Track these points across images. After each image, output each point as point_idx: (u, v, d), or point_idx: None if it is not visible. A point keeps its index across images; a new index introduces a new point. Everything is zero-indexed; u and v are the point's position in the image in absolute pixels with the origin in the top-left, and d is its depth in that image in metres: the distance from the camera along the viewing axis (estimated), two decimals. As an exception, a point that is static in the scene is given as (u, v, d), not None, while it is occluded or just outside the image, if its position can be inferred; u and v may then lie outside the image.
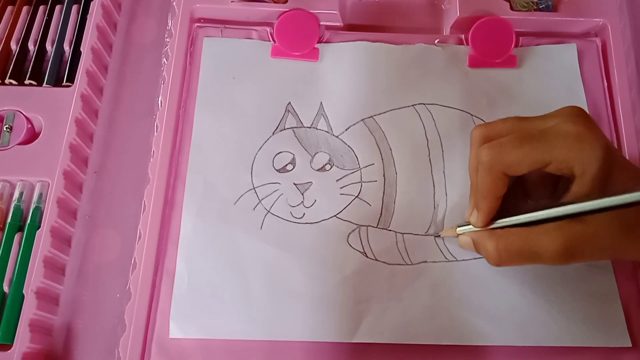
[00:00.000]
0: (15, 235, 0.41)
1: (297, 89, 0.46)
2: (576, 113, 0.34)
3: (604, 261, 0.41)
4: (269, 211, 0.42)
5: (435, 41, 0.47)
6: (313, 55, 0.46)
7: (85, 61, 0.45)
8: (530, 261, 0.34)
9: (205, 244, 0.41)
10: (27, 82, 0.46)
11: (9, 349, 0.37)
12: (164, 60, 0.46)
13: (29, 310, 0.38)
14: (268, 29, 0.47)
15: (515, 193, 0.37)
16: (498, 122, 0.36)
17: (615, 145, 0.45)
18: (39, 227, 0.40)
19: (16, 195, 0.42)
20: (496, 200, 0.35)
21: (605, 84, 0.46)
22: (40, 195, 0.42)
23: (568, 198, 0.34)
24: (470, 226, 0.38)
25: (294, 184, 0.43)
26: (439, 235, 0.42)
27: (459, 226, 0.39)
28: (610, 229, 0.33)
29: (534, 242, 0.33)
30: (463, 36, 0.48)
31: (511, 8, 0.47)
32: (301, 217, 0.42)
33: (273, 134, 0.44)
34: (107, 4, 0.48)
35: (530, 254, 0.34)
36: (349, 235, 0.41)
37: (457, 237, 0.39)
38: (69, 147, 0.42)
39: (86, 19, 0.47)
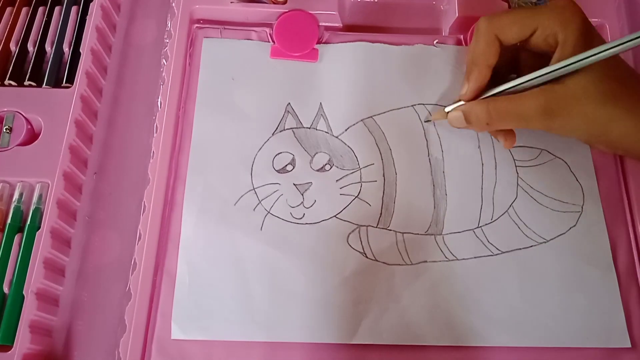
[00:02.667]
0: (15, 236, 0.41)
1: (296, 89, 0.46)
2: None
3: (605, 260, 0.41)
4: (269, 212, 0.42)
5: (434, 42, 0.47)
6: (312, 55, 0.46)
7: (85, 62, 0.45)
8: (517, 121, 0.38)
9: (206, 245, 0.41)
10: (26, 83, 0.46)
11: (9, 350, 0.37)
12: (164, 61, 0.46)
13: (29, 311, 0.38)
14: (267, 29, 0.48)
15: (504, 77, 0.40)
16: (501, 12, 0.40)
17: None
18: (39, 228, 0.40)
19: (16, 196, 0.42)
20: (487, 68, 0.39)
21: (604, 83, 0.47)
22: (40, 196, 0.42)
23: (551, 64, 0.37)
24: (460, 103, 0.40)
25: (294, 184, 0.43)
26: (428, 120, 0.44)
27: (447, 106, 0.41)
28: (589, 92, 0.36)
29: (520, 103, 0.37)
30: (462, 36, 0.48)
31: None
32: (301, 218, 0.42)
33: (273, 134, 0.44)
34: (107, 5, 0.49)
35: (517, 114, 0.38)
36: (348, 236, 0.41)
37: (447, 116, 0.41)
38: (68, 148, 0.42)
39: (85, 20, 0.47)
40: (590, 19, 0.47)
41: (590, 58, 0.35)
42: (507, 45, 0.39)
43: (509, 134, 0.41)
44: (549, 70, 0.36)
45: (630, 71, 0.39)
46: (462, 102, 0.41)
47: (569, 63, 0.35)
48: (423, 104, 0.45)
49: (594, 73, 0.36)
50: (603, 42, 0.36)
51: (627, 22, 0.48)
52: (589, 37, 0.37)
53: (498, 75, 0.40)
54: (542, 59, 0.38)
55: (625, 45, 0.33)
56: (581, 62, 0.35)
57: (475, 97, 0.40)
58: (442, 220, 0.42)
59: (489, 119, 0.38)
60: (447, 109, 0.42)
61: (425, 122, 0.44)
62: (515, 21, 0.38)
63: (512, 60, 0.41)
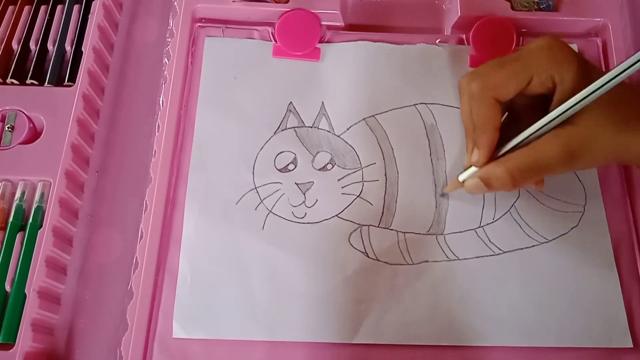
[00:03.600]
0: (17, 235, 0.41)
1: (298, 88, 0.46)
2: (542, 38, 0.36)
3: (607, 260, 0.41)
4: (270, 211, 0.42)
5: (437, 41, 0.47)
6: (314, 55, 0.46)
7: (87, 61, 0.45)
8: (541, 173, 0.36)
9: (208, 245, 0.41)
10: (28, 81, 0.46)
11: (11, 348, 0.37)
12: (166, 60, 0.46)
13: (31, 309, 0.38)
14: (269, 28, 0.48)
15: (510, 130, 0.38)
16: (478, 67, 0.38)
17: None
18: (41, 226, 0.40)
19: (18, 194, 0.42)
20: (494, 131, 0.37)
21: (606, 83, 0.46)
22: (42, 194, 0.42)
23: (553, 108, 0.35)
24: (472, 169, 0.38)
25: (296, 183, 0.43)
26: (444, 195, 0.42)
27: (460, 175, 0.40)
28: (603, 126, 0.35)
29: (539, 154, 0.35)
30: (464, 36, 0.48)
31: (512, 8, 0.47)
32: (303, 217, 0.42)
33: (275, 133, 0.44)
34: (109, 3, 0.48)
35: (539, 166, 0.36)
36: (350, 235, 0.41)
37: (463, 184, 0.39)
38: (70, 146, 0.43)
39: (87, 18, 0.47)
40: (592, 19, 0.48)
41: (597, 92, 0.33)
42: (506, 101, 0.37)
43: (537, 182, 0.39)
44: (556, 115, 0.35)
45: (633, 90, 0.38)
46: (474, 169, 0.38)
47: (576, 102, 0.34)
48: (425, 103, 0.45)
49: (603, 105, 0.35)
50: (600, 71, 0.35)
51: (630, 21, 0.48)
52: (586, 69, 0.35)
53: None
54: (538, 97, 0.37)
55: (626, 72, 0.32)
56: (588, 97, 0.34)
57: (488, 162, 0.38)
58: (443, 220, 0.42)
59: (512, 180, 0.36)
60: (460, 178, 0.40)
61: (440, 196, 0.43)
62: (509, 77, 0.36)
63: (512, 116, 0.39)
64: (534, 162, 0.36)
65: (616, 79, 0.33)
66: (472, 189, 0.39)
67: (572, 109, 0.34)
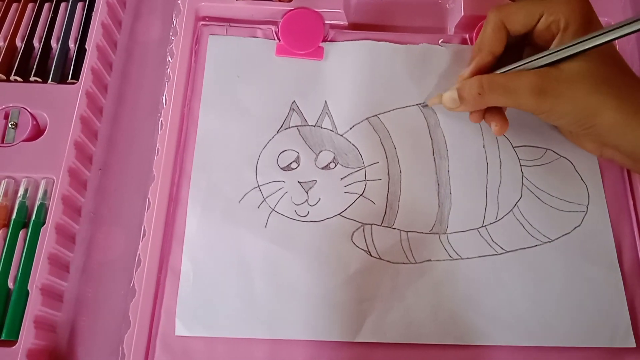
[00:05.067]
0: (20, 232, 0.41)
1: (301, 87, 0.46)
2: None
3: (610, 260, 0.41)
4: (273, 209, 0.42)
5: (440, 40, 0.47)
6: (317, 53, 0.46)
7: (90, 58, 0.45)
8: (508, 95, 0.38)
9: (210, 243, 0.41)
10: (32, 79, 0.46)
11: (14, 345, 0.37)
12: (169, 58, 0.46)
13: (34, 306, 0.38)
14: (273, 27, 0.48)
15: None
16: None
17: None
18: (44, 223, 0.40)
19: (21, 191, 0.42)
20: (490, 54, 0.40)
21: (610, 83, 0.47)
22: (45, 192, 0.42)
23: (550, 49, 0.38)
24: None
25: (299, 182, 0.43)
26: (425, 105, 0.44)
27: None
28: (582, 77, 0.36)
29: (513, 78, 0.38)
30: (467, 35, 0.48)
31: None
32: (305, 216, 0.42)
33: (277, 132, 0.44)
34: (112, 1, 0.49)
35: (508, 88, 0.38)
36: (353, 234, 0.41)
37: (442, 99, 0.42)
38: (73, 144, 0.43)
39: (91, 16, 0.47)
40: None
41: (587, 42, 0.35)
42: (514, 34, 0.40)
43: (502, 119, 0.41)
44: (546, 54, 0.37)
45: (625, 65, 0.39)
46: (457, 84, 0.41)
47: (565, 46, 0.36)
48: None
49: (590, 60, 0.36)
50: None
51: (634, 22, 0.48)
52: (592, 25, 0.37)
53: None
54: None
55: (621, 29, 0.34)
56: (577, 45, 0.36)
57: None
58: (446, 219, 0.42)
59: (480, 89, 0.39)
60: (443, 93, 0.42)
61: (422, 106, 0.45)
62: (521, 7, 0.39)
63: (517, 58, 0.41)
64: (507, 82, 0.38)
65: (608, 33, 0.34)
66: (447, 101, 0.42)
67: (560, 52, 0.36)
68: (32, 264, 0.39)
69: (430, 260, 0.41)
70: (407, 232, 0.42)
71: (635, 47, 0.47)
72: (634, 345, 0.39)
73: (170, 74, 0.45)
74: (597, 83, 0.36)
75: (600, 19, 0.47)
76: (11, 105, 0.44)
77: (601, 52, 0.36)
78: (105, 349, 0.40)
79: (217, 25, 0.48)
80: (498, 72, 0.40)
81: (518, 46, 0.42)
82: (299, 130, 0.44)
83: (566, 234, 0.42)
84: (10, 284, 0.39)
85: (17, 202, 0.42)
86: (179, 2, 0.48)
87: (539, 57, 0.38)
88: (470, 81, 0.40)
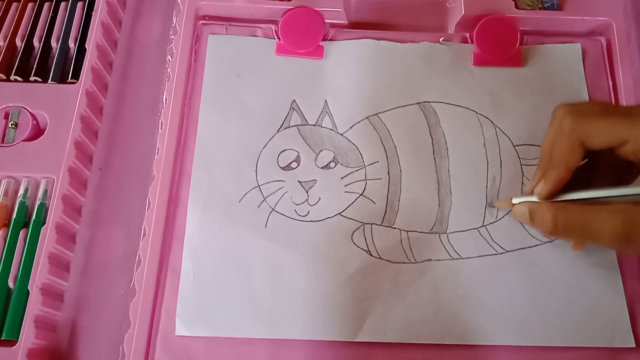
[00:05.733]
0: (21, 232, 0.41)
1: (301, 86, 0.46)
2: None
3: (609, 260, 0.41)
4: (273, 209, 0.42)
5: (440, 39, 0.47)
6: (318, 52, 0.46)
7: (90, 58, 0.45)
8: (586, 237, 0.35)
9: (211, 242, 0.41)
10: (32, 78, 0.46)
11: (14, 344, 0.37)
12: (169, 57, 0.46)
13: (34, 306, 0.38)
14: (273, 26, 0.47)
15: (582, 175, 0.37)
16: (584, 102, 0.37)
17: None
18: (44, 223, 0.40)
19: (21, 191, 0.42)
20: (567, 172, 0.36)
21: (610, 82, 0.46)
22: (45, 191, 0.42)
23: (636, 183, 0.35)
24: (530, 197, 0.38)
25: (299, 181, 0.43)
26: (493, 206, 0.42)
27: (516, 198, 0.40)
28: None
29: (595, 218, 0.34)
30: (468, 34, 0.48)
31: (516, 6, 0.47)
32: (305, 215, 0.42)
33: (278, 131, 0.44)
34: (112, 1, 0.48)
35: (588, 229, 0.34)
36: (353, 233, 0.41)
37: (512, 207, 0.40)
38: (74, 143, 0.43)
39: (91, 16, 0.47)
40: (596, 18, 0.48)
41: None
42: (591, 150, 0.36)
43: (580, 243, 0.39)
44: (634, 192, 0.34)
45: None
46: (532, 198, 0.38)
47: None
48: (429, 102, 0.45)
49: None
50: None
51: (634, 21, 0.48)
52: None
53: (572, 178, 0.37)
54: (625, 170, 0.36)
55: None
56: None
57: (549, 198, 0.37)
58: (446, 219, 0.42)
59: (553, 228, 0.35)
60: (514, 200, 0.40)
61: (489, 207, 0.42)
62: (604, 129, 0.34)
63: (591, 165, 0.38)
64: (585, 224, 0.34)
65: None
66: (516, 214, 0.39)
67: None
68: (32, 263, 0.39)
69: (430, 259, 0.41)
70: (408, 231, 0.42)
71: (636, 46, 0.47)
72: (634, 345, 0.39)
73: (170, 73, 0.45)
74: None
75: (600, 19, 0.47)
76: (11, 105, 0.44)
77: None
78: (106, 348, 0.40)
79: (217, 24, 0.48)
80: (572, 196, 0.36)
81: (594, 154, 0.37)
82: (299, 130, 0.44)
83: (566, 233, 0.42)
84: (11, 284, 0.39)
85: (18, 201, 0.42)
86: (178, 1, 0.47)
87: (624, 193, 0.34)
88: (543, 211, 0.36)
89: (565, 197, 0.36)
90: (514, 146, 0.44)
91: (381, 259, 0.41)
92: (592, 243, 0.36)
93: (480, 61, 0.46)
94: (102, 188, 0.45)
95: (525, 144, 0.44)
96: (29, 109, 0.44)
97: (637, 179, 0.35)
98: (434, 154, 0.44)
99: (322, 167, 0.43)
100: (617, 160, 0.36)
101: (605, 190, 0.35)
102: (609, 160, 0.38)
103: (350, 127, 0.44)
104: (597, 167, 0.38)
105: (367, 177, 0.43)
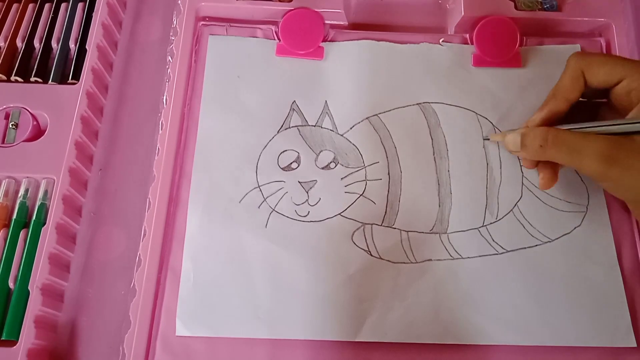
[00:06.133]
0: (21, 232, 0.41)
1: (301, 87, 0.46)
2: None
3: (610, 260, 0.41)
4: (273, 209, 0.42)
5: (440, 40, 0.47)
6: (318, 53, 0.46)
7: (91, 59, 0.45)
8: (571, 155, 0.37)
9: (211, 243, 0.41)
10: (32, 79, 0.46)
11: (14, 345, 0.37)
12: (169, 58, 0.46)
13: (34, 306, 0.38)
14: (273, 27, 0.48)
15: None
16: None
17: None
18: (44, 223, 0.40)
19: (22, 192, 0.42)
20: (565, 101, 0.39)
21: (610, 83, 0.47)
22: (46, 192, 0.42)
23: (626, 119, 0.36)
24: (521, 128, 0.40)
25: (299, 182, 0.43)
26: (487, 139, 0.44)
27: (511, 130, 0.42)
28: None
29: (582, 139, 0.36)
30: (467, 35, 0.48)
31: (516, 7, 0.47)
32: (306, 216, 0.42)
33: (278, 132, 0.44)
34: (113, 2, 0.49)
35: (574, 148, 0.36)
36: (353, 234, 0.41)
37: (504, 138, 0.41)
38: (74, 144, 0.43)
39: (91, 16, 0.47)
40: (596, 19, 0.48)
41: None
42: (590, 87, 0.39)
43: (551, 175, 0.40)
44: (622, 123, 0.36)
45: None
46: (523, 128, 0.40)
47: None
48: (429, 102, 0.45)
49: None
50: None
51: (633, 21, 0.48)
52: None
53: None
54: (621, 117, 0.38)
55: None
56: None
57: (542, 125, 0.40)
58: (447, 219, 0.42)
59: (543, 142, 0.38)
60: (507, 132, 0.41)
61: (484, 139, 0.44)
62: (605, 63, 0.38)
63: (591, 116, 0.41)
64: (573, 141, 0.37)
65: None
66: (508, 143, 0.41)
67: (636, 125, 0.35)
68: (32, 264, 0.39)
69: (430, 259, 0.41)
70: (408, 231, 0.42)
71: (635, 47, 0.47)
72: (635, 345, 0.39)
73: (171, 74, 0.45)
74: None
75: (599, 19, 0.48)
76: (12, 105, 0.44)
77: None
78: (106, 349, 0.40)
79: (217, 25, 0.48)
80: (567, 126, 0.38)
81: (594, 106, 0.41)
82: (299, 130, 0.44)
83: (566, 233, 0.42)
84: (11, 284, 0.39)
85: (18, 202, 0.42)
86: (179, 2, 0.48)
87: (612, 124, 0.37)
88: (535, 131, 0.39)
89: (557, 127, 0.39)
90: (513, 147, 0.44)
91: (381, 259, 0.41)
92: (574, 164, 0.37)
93: (480, 62, 0.47)
94: (102, 188, 0.45)
95: (525, 145, 0.44)
96: (29, 110, 0.44)
97: (629, 114, 0.37)
98: (434, 154, 0.44)
99: (323, 168, 0.43)
100: (611, 115, 0.39)
101: (592, 123, 0.37)
102: (604, 117, 0.40)
103: (351, 128, 0.44)
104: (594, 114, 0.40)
105: (367, 178, 0.43)
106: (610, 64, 0.38)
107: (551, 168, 0.40)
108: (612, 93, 0.38)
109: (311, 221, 0.42)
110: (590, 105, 0.41)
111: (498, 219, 0.42)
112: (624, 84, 0.37)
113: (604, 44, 0.48)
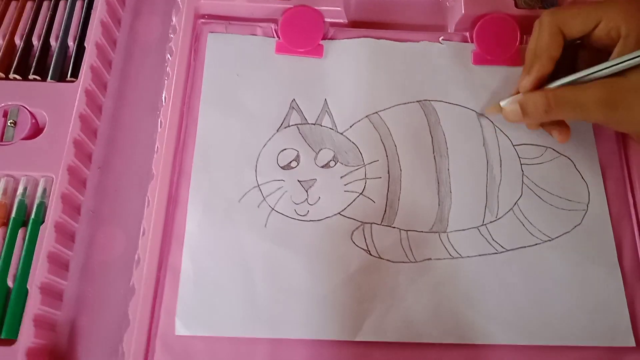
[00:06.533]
0: (19, 231, 0.40)
1: (301, 85, 0.46)
2: None
3: (610, 259, 0.41)
4: (273, 208, 0.42)
5: (440, 38, 0.47)
6: (317, 51, 0.46)
7: (90, 57, 0.45)
8: (576, 111, 0.38)
9: (211, 242, 0.41)
10: (31, 77, 0.45)
11: (13, 343, 0.37)
12: (168, 56, 0.46)
13: (33, 305, 0.38)
14: (272, 25, 0.47)
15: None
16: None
17: (621, 144, 0.45)
18: (43, 222, 0.40)
19: (20, 190, 0.42)
20: (550, 60, 0.39)
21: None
22: (44, 190, 0.42)
23: (612, 58, 0.37)
24: (516, 96, 0.41)
25: (298, 181, 0.42)
26: (482, 114, 0.44)
27: (503, 101, 0.42)
28: None
29: (581, 92, 0.37)
30: (468, 33, 0.48)
31: (516, 5, 0.47)
32: (305, 215, 0.42)
33: (277, 130, 0.44)
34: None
35: (577, 103, 0.37)
36: (353, 233, 0.41)
37: (502, 110, 0.42)
38: (73, 142, 0.42)
39: (90, 14, 0.47)
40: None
41: None
42: (570, 39, 0.39)
43: (564, 128, 0.41)
44: (611, 64, 0.37)
45: None
46: (518, 96, 0.41)
47: (634, 56, 0.36)
48: (429, 100, 0.45)
49: None
50: None
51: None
52: None
53: (556, 75, 0.40)
54: (602, 56, 0.38)
55: None
56: None
57: (534, 89, 0.40)
58: (446, 218, 0.42)
59: (547, 107, 0.38)
60: (502, 103, 0.42)
61: (478, 115, 0.45)
62: (579, 13, 0.38)
63: (572, 60, 0.42)
64: (574, 97, 0.37)
65: None
66: (509, 114, 0.41)
67: (628, 62, 0.36)
68: (31, 262, 0.39)
69: (430, 259, 0.41)
70: (407, 231, 0.42)
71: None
72: (634, 345, 0.39)
73: (170, 72, 0.45)
74: None
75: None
76: (10, 103, 0.44)
77: None
78: (105, 348, 0.40)
79: (217, 23, 0.48)
80: (559, 82, 0.39)
81: (572, 50, 0.41)
82: (298, 129, 0.44)
83: (566, 232, 0.42)
84: (10, 283, 0.39)
85: (17, 200, 0.41)
86: (178, 0, 0.47)
87: (603, 67, 0.37)
88: (535, 97, 0.39)
89: (551, 85, 0.40)
90: (513, 146, 0.44)
91: (381, 258, 0.41)
92: (581, 117, 0.38)
93: (480, 60, 0.46)
94: (101, 187, 0.45)
95: (525, 144, 0.44)
96: (28, 108, 0.44)
97: (614, 52, 0.38)
98: (434, 153, 0.44)
99: (322, 166, 0.43)
100: (592, 55, 0.40)
101: (584, 71, 0.38)
102: (585, 58, 0.41)
103: (350, 126, 0.44)
104: (575, 67, 0.41)
105: (366, 176, 0.43)
106: (583, 12, 0.38)
107: (558, 124, 0.41)
108: (591, 38, 0.39)
109: (311, 220, 0.42)
110: (568, 53, 0.41)
111: (498, 217, 0.42)
112: (601, 26, 0.38)
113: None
